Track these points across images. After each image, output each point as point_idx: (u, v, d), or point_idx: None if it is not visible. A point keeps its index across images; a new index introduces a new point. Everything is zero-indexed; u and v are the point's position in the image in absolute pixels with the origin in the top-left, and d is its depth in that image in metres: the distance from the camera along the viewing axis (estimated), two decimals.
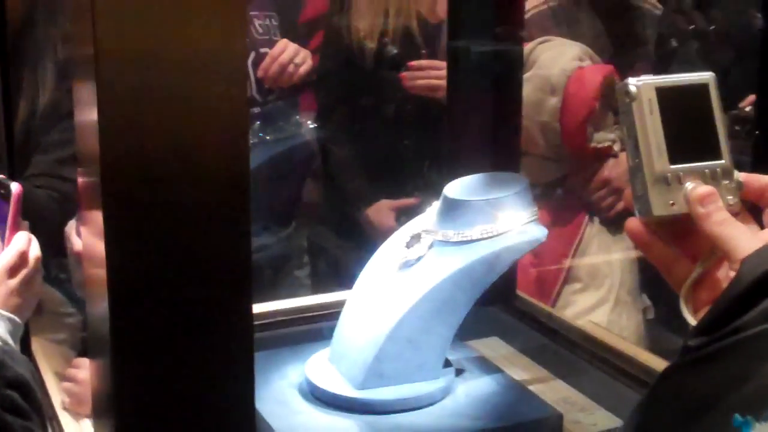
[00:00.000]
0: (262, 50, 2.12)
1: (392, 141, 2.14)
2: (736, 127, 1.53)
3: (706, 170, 0.77)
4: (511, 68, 1.51)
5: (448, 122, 1.57)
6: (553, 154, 2.05)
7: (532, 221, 1.18)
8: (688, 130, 0.77)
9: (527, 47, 2.01)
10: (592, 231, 2.08)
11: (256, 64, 2.10)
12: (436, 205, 1.23)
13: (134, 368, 0.72)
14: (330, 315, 1.38)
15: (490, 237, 1.15)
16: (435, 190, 1.24)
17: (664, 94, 0.76)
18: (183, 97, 0.69)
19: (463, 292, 1.16)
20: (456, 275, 1.15)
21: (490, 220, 1.15)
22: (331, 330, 1.24)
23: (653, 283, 2.03)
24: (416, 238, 1.20)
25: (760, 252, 0.68)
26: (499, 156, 1.51)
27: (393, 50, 2.11)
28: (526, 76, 1.95)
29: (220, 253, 0.76)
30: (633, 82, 0.76)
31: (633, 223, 0.78)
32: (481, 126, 1.50)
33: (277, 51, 2.10)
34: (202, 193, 0.72)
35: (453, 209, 1.18)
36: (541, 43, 2.05)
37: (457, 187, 1.21)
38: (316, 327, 1.42)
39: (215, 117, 0.71)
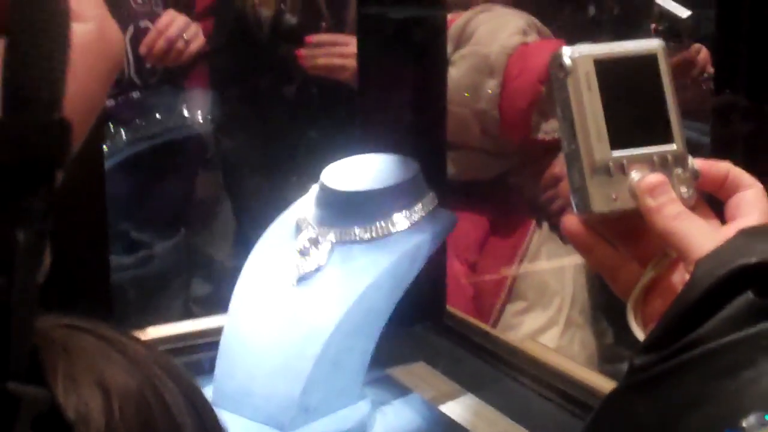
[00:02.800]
0: (143, 24, 2.09)
1: (295, 131, 2.12)
2: None
3: (655, 157, 0.76)
4: (434, 40, 1.50)
5: (358, 108, 1.57)
6: (493, 147, 2.04)
7: (437, 206, 1.22)
8: (633, 110, 0.77)
9: (462, 18, 2.01)
10: (540, 238, 2.07)
11: (136, 40, 2.07)
12: (309, 198, 1.23)
13: None
14: (211, 344, 1.32)
15: (405, 229, 1.18)
16: None
17: (604, 66, 0.75)
18: None
19: (387, 297, 1.18)
20: (381, 278, 1.17)
21: (393, 210, 1.18)
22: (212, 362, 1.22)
23: (613, 301, 2.02)
24: (312, 243, 1.19)
25: (718, 251, 0.67)
26: (421, 147, 1.50)
27: (292, 19, 2.10)
28: (461, 52, 1.96)
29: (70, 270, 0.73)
30: (567, 53, 0.75)
31: (570, 221, 0.76)
32: (398, 111, 1.50)
33: (162, 24, 2.08)
34: None
35: (348, 203, 1.18)
36: (479, 12, 2.04)
37: (339, 178, 1.21)
38: (192, 360, 1.37)
39: None
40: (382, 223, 1.18)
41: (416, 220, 1.19)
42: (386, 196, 1.19)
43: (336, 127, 2.04)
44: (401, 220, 1.18)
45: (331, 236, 1.19)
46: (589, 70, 0.74)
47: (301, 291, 1.18)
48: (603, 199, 0.74)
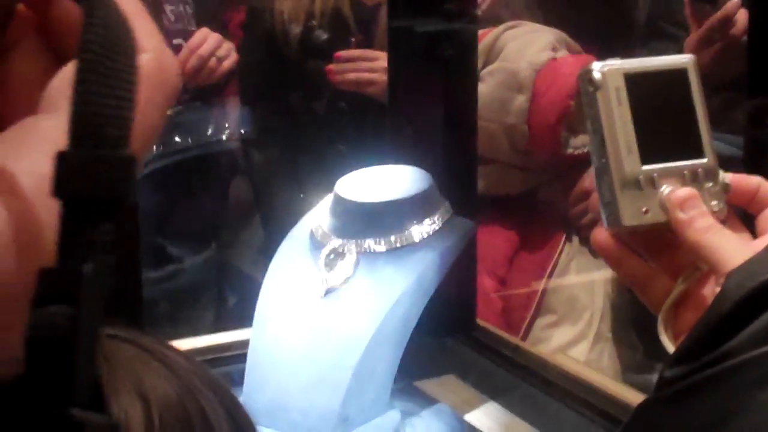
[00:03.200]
0: (176, 41, 2.11)
1: (324, 145, 2.14)
2: None
3: (686, 171, 0.76)
4: (465, 53, 1.51)
5: (388, 122, 1.57)
6: (522, 162, 2.04)
7: (453, 214, 1.25)
8: (663, 124, 0.78)
9: (491, 34, 2.00)
10: (571, 252, 2.06)
11: None
12: (321, 211, 1.25)
13: None
14: (241, 356, 1.32)
15: (425, 239, 1.21)
16: None
17: (634, 81, 0.76)
18: None
19: (415, 306, 1.21)
20: (410, 288, 1.19)
21: (412, 220, 1.21)
22: (242, 374, 1.22)
23: (643, 316, 2.00)
24: (337, 255, 1.21)
25: (748, 264, 0.67)
26: (451, 161, 1.51)
27: (322, 35, 2.12)
28: (489, 69, 1.96)
29: None
30: (597, 68, 0.76)
31: (600, 234, 0.77)
32: (428, 125, 1.50)
33: (195, 42, 2.09)
34: None
35: (368, 214, 1.21)
36: (508, 28, 2.04)
37: (355, 189, 1.23)
38: (222, 372, 1.34)
39: None
40: (404, 234, 1.21)
41: (436, 229, 1.22)
42: (406, 206, 1.21)
43: (365, 141, 2.05)
44: (421, 230, 1.21)
45: (353, 247, 1.21)
46: (618, 85, 0.75)
47: (331, 303, 1.20)
48: (633, 213, 0.75)
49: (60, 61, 0.46)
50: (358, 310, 1.19)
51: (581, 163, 2.01)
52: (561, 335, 2.04)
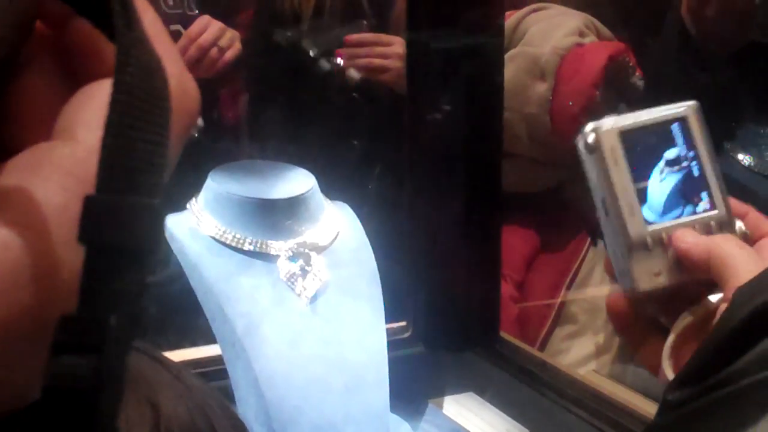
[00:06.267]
0: (173, 28, 2.05)
1: (337, 141, 2.11)
2: None
3: (696, 225, 0.77)
4: (489, 70, 1.50)
5: (408, 115, 1.55)
6: (543, 155, 2.03)
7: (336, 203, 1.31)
8: (666, 179, 0.78)
9: (515, 16, 2.00)
10: (595, 257, 2.05)
11: None
12: (210, 218, 1.24)
13: None
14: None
15: (347, 228, 1.28)
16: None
17: (630, 138, 0.77)
18: None
19: None
20: (374, 277, 1.25)
21: (320, 212, 1.25)
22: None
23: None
24: (304, 260, 1.21)
25: (758, 279, 0.66)
26: (474, 158, 1.50)
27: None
28: (510, 53, 1.95)
29: None
30: (590, 128, 0.77)
31: (616, 300, 0.78)
32: (449, 127, 1.50)
33: (195, 30, 2.03)
34: None
35: (281, 211, 1.22)
36: (533, 11, 2.04)
37: (254, 186, 1.23)
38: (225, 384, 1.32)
39: None
40: (332, 224, 1.25)
41: (345, 218, 1.28)
42: (315, 198, 1.24)
43: (378, 138, 2.02)
44: (337, 220, 1.26)
45: (308, 249, 1.22)
46: (614, 144, 0.77)
47: (321, 309, 1.21)
48: (646, 277, 0.77)
49: (73, 84, 0.45)
50: (356, 305, 1.22)
51: None
52: (581, 347, 2.03)
